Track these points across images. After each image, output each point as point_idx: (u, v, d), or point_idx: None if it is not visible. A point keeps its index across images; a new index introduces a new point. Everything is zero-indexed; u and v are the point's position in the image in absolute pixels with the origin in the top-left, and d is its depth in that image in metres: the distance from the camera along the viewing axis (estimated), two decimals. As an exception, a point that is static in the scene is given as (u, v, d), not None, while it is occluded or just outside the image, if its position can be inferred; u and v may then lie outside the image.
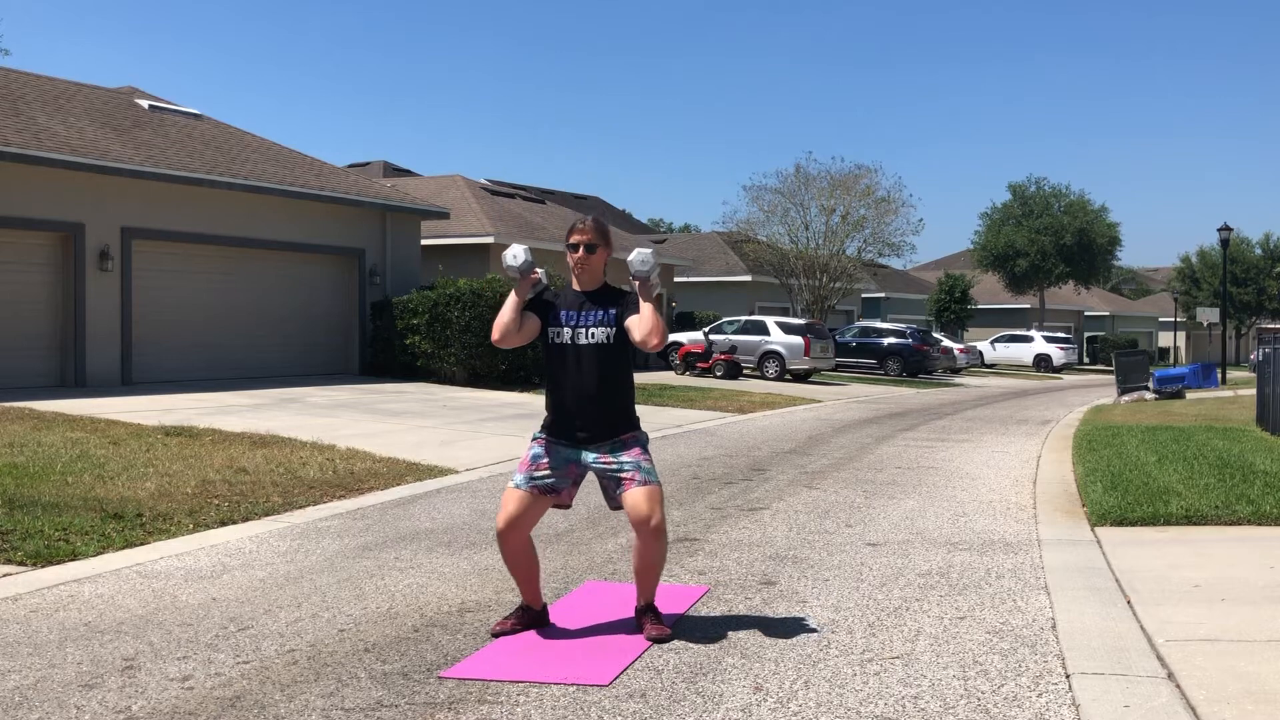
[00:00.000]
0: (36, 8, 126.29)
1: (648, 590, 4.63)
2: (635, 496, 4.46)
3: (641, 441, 4.61)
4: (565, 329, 4.57)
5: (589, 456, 4.55)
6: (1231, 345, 62.40)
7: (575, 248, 4.63)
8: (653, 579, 4.61)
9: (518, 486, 4.54)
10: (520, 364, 19.29)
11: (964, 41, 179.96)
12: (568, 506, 4.69)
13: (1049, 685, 3.99)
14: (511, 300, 4.62)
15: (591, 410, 4.51)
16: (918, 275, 60.72)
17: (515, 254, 4.66)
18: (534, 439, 4.65)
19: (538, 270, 4.72)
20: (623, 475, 4.50)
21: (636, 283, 4.66)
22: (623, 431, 4.56)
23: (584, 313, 4.59)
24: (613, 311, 4.57)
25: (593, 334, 4.55)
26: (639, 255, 4.63)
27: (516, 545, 4.54)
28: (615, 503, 4.56)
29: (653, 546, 4.48)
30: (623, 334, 4.56)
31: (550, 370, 4.62)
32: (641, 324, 4.51)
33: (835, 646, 4.44)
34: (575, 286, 4.67)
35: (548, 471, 4.54)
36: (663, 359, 29.57)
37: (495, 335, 4.60)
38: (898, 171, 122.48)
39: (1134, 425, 14.78)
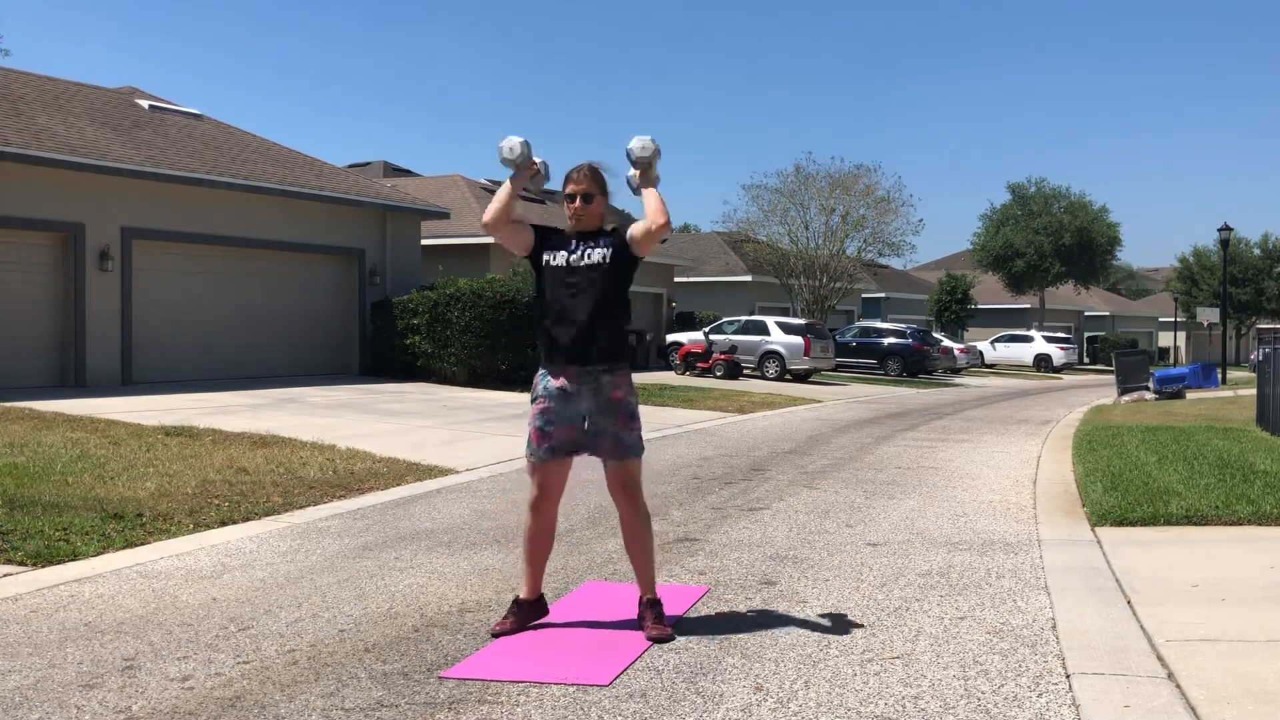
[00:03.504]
0: (36, 8, 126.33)
1: (645, 574, 4.66)
2: (612, 475, 4.64)
3: (630, 405, 4.63)
4: (561, 252, 4.62)
5: (584, 408, 4.57)
6: (1231, 345, 62.40)
7: (572, 198, 4.64)
8: (645, 558, 4.66)
9: (540, 460, 4.60)
10: (520, 364, 19.29)
11: (964, 42, 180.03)
12: (584, 451, 4.72)
13: (1049, 685, 3.99)
14: (506, 187, 4.69)
15: (580, 332, 4.53)
16: (918, 275, 60.70)
17: (511, 146, 4.65)
18: (534, 401, 4.66)
19: (536, 160, 4.69)
20: (601, 441, 4.58)
21: (637, 171, 4.66)
22: (610, 360, 4.57)
23: (579, 242, 4.64)
24: (607, 239, 4.63)
25: (589, 255, 4.59)
26: (639, 142, 4.63)
27: (548, 516, 4.67)
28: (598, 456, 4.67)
29: (631, 517, 4.64)
30: (617, 259, 4.59)
31: (544, 298, 4.63)
32: (648, 211, 4.61)
33: (835, 646, 4.44)
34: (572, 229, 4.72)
35: (561, 437, 4.58)
36: (663, 359, 29.57)
37: (486, 217, 4.66)
38: (898, 171, 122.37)
39: (1134, 425, 14.77)
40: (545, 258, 4.65)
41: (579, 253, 4.60)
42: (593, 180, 4.64)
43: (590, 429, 4.59)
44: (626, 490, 4.65)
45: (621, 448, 4.59)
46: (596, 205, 4.65)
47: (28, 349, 15.56)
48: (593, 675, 4.02)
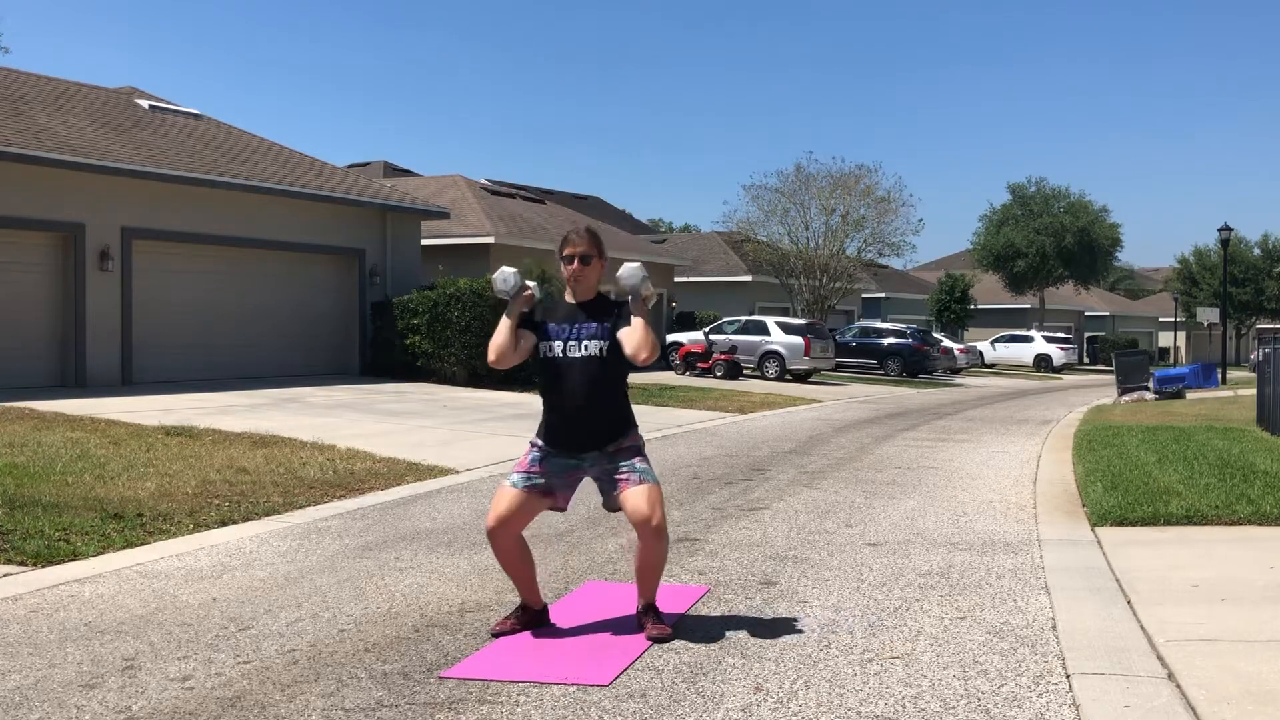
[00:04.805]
0: (36, 7, 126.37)
1: (649, 590, 4.63)
2: (634, 497, 4.45)
3: (639, 448, 4.61)
4: (556, 343, 4.56)
5: (588, 463, 4.55)
6: (1231, 345, 62.41)
7: (570, 260, 4.59)
8: (654, 579, 4.61)
9: (514, 485, 4.53)
10: (520, 364, 19.23)
11: (964, 43, 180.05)
12: (563, 510, 4.68)
13: (1049, 685, 3.99)
14: (505, 321, 4.61)
15: (586, 422, 4.50)
16: (918, 275, 60.71)
17: (505, 277, 4.66)
18: (532, 444, 4.64)
19: (530, 285, 4.69)
20: (619, 477, 4.51)
21: (629, 297, 4.65)
22: (619, 439, 4.54)
23: (577, 325, 4.57)
24: (606, 325, 4.56)
25: (586, 346, 4.53)
26: (628, 269, 4.61)
27: (507, 544, 4.52)
28: (613, 505, 4.57)
29: (654, 546, 4.47)
30: (616, 346, 4.53)
31: (544, 383, 4.61)
32: (632, 337, 4.49)
33: (835, 646, 4.44)
34: (570, 298, 4.66)
35: (545, 476, 4.54)
36: (663, 359, 29.57)
37: (491, 357, 4.62)
38: (898, 171, 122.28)
39: (1134, 425, 14.77)
40: (541, 348, 4.60)
41: (576, 340, 4.54)
42: (591, 242, 4.61)
43: (605, 478, 4.53)
44: (650, 519, 4.42)
45: (638, 473, 4.50)
46: (594, 267, 4.61)
47: (28, 349, 15.55)
48: (593, 675, 4.02)
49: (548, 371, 4.58)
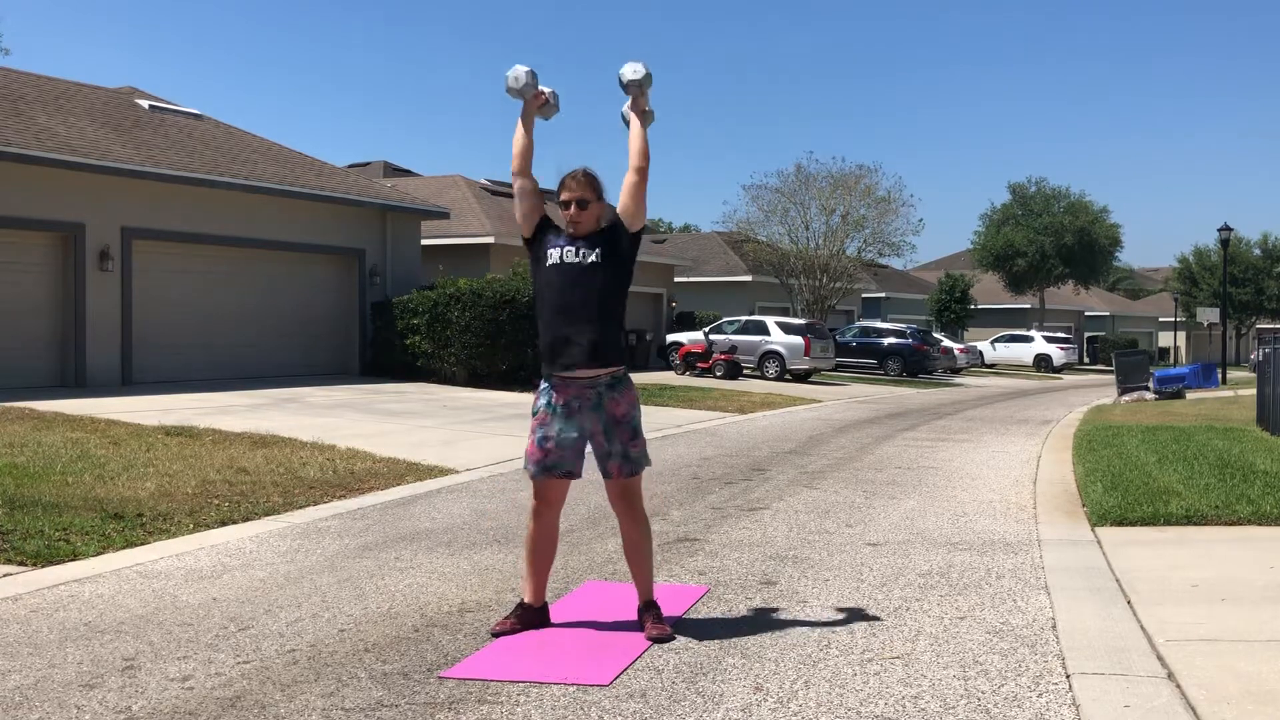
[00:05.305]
0: (36, 7, 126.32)
1: (644, 580, 4.66)
2: (615, 488, 4.63)
3: (634, 422, 4.61)
4: (553, 250, 4.62)
5: (587, 427, 4.56)
6: (1231, 345, 62.41)
7: (566, 205, 4.63)
8: (644, 566, 4.65)
9: (534, 476, 4.59)
10: (520, 364, 19.30)
11: (964, 43, 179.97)
12: (579, 476, 4.70)
13: (1049, 685, 3.99)
14: (519, 126, 4.73)
15: (579, 334, 4.51)
16: (918, 275, 60.70)
17: (517, 76, 4.67)
18: (534, 414, 4.64)
19: (544, 90, 4.68)
20: (610, 464, 4.58)
21: (629, 98, 4.64)
22: (610, 363, 4.56)
23: (576, 242, 4.63)
24: (604, 235, 4.62)
25: (583, 254, 4.58)
26: (631, 66, 4.62)
27: (551, 523, 4.67)
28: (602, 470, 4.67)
29: (631, 530, 4.64)
30: (611, 254, 4.57)
31: (541, 299, 4.63)
32: (630, 152, 4.62)
33: (835, 646, 4.44)
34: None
35: (557, 457, 4.56)
36: (663, 359, 29.58)
37: (513, 165, 4.71)
38: (898, 171, 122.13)
39: (1134, 425, 14.77)
40: (542, 253, 4.65)
41: (576, 251, 4.59)
42: (588, 185, 4.62)
43: (596, 450, 4.58)
44: (626, 500, 4.63)
45: (629, 464, 4.57)
46: (592, 210, 4.63)
47: (28, 349, 15.56)
48: (593, 675, 4.02)
49: (545, 279, 4.61)
